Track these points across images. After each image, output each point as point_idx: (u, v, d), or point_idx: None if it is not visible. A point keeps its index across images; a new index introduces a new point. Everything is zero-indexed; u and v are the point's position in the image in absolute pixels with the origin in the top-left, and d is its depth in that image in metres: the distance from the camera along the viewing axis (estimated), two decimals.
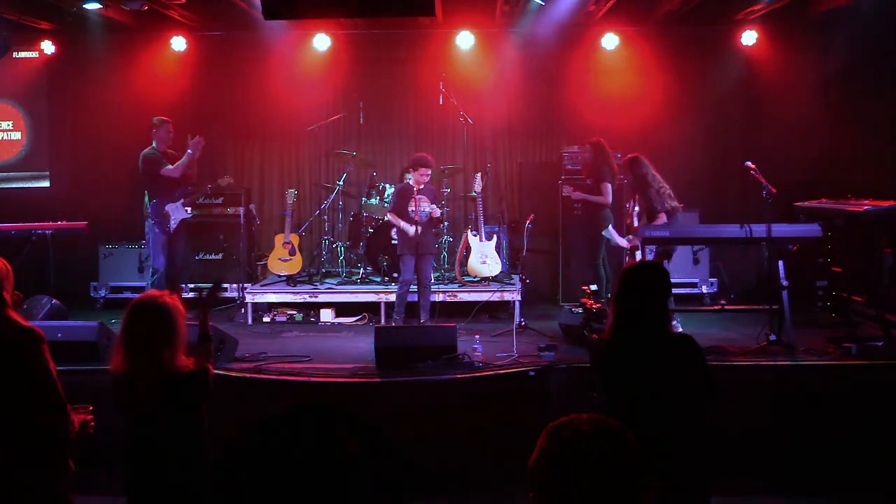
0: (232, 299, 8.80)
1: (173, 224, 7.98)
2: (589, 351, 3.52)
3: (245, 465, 2.35)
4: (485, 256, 8.24)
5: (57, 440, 3.35)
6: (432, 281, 7.75)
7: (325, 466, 2.33)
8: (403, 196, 7.48)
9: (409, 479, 2.43)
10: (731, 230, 6.75)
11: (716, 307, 7.39)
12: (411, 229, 7.32)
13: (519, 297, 7.99)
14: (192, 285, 8.94)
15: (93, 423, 3.50)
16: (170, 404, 3.39)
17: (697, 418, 3.39)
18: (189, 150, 7.86)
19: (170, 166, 7.90)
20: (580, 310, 6.89)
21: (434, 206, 7.53)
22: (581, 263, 8.44)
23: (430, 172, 7.47)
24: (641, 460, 1.70)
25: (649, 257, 7.02)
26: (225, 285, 9.03)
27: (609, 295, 7.49)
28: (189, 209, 8.13)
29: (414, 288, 7.55)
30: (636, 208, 8.31)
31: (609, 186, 7.90)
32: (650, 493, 1.68)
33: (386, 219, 7.58)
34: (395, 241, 8.11)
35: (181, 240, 8.14)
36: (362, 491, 2.33)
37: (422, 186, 7.41)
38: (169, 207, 7.95)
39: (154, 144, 8.01)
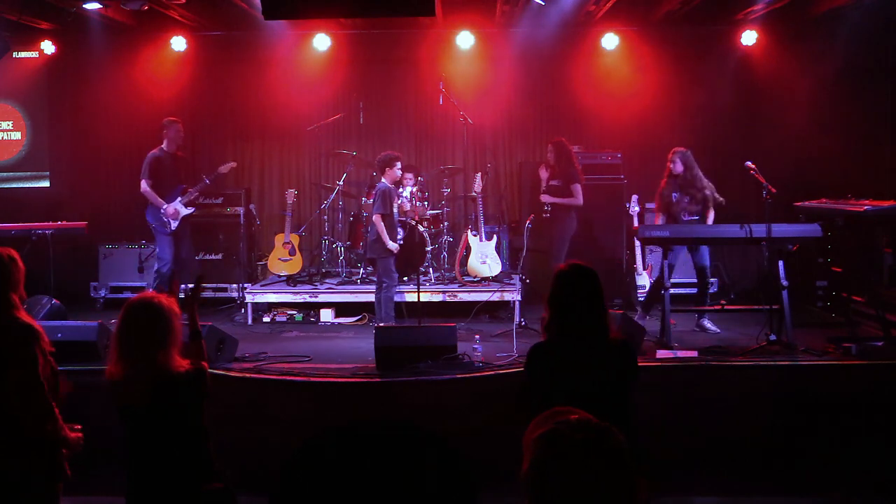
0: (232, 299, 8.81)
1: (174, 223, 7.96)
2: (531, 350, 3.53)
3: (315, 475, 2.36)
4: (485, 256, 8.24)
5: (33, 441, 3.35)
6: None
7: (399, 483, 2.34)
8: (392, 199, 7.52)
9: (478, 490, 2.45)
10: (731, 230, 6.75)
11: (716, 307, 7.39)
12: (395, 247, 7.40)
13: (519, 297, 7.99)
14: (191, 285, 8.96)
15: (81, 442, 3.50)
16: (167, 405, 3.38)
17: (624, 424, 3.42)
18: (165, 207, 7.89)
19: (147, 187, 7.86)
20: None
21: (403, 199, 7.59)
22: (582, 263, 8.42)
23: (400, 167, 7.64)
24: (630, 453, 1.71)
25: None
26: (224, 285, 9.06)
27: None
28: (190, 207, 8.08)
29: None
30: (636, 209, 8.33)
31: (580, 187, 7.89)
32: (642, 480, 1.70)
33: (374, 221, 7.42)
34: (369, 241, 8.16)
35: (185, 239, 8.12)
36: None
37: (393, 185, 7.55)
38: (167, 207, 7.94)
39: (164, 145, 8.02)
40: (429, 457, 2.43)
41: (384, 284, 7.46)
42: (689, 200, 7.32)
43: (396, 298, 7.77)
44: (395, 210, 7.54)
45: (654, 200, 7.63)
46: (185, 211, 8.03)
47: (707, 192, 7.32)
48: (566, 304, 3.44)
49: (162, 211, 7.91)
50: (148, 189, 7.90)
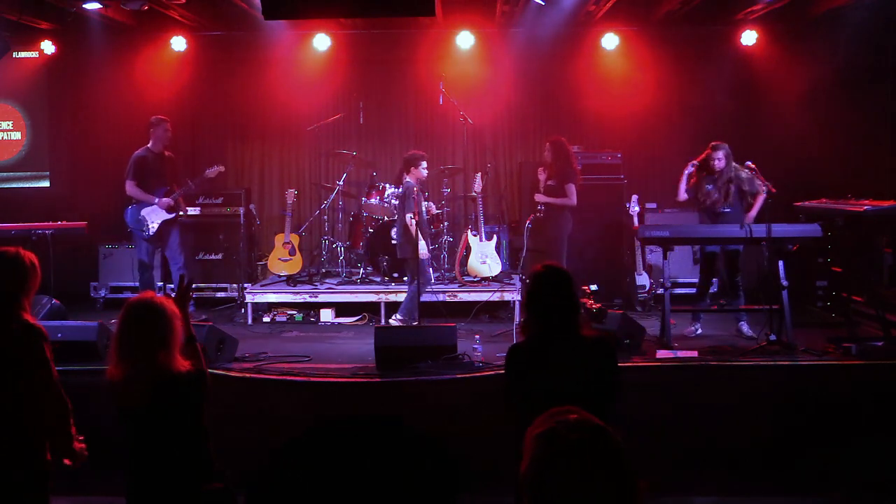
0: (232, 299, 8.81)
1: (152, 228, 7.79)
2: (510, 351, 3.59)
3: (295, 474, 2.36)
4: (485, 256, 8.24)
5: (45, 437, 3.40)
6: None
7: (378, 476, 2.35)
8: (420, 199, 7.44)
9: (462, 481, 2.46)
10: (731, 230, 6.75)
11: (714, 308, 7.39)
12: (426, 254, 7.29)
13: (519, 297, 7.98)
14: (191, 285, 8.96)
15: (86, 453, 3.57)
16: (168, 405, 3.38)
17: (608, 417, 3.44)
18: (158, 201, 7.76)
19: (133, 187, 7.75)
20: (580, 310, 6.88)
21: (430, 203, 7.59)
22: (583, 263, 8.41)
23: (426, 166, 7.58)
24: (627, 453, 1.72)
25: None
26: (224, 285, 9.06)
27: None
28: (173, 211, 7.87)
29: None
30: (636, 209, 8.32)
31: (574, 188, 7.83)
32: (642, 481, 1.71)
33: (407, 222, 7.33)
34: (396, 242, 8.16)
35: (171, 242, 7.93)
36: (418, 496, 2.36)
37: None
38: (145, 212, 7.79)
39: (150, 144, 7.90)
40: (408, 451, 2.44)
41: (416, 282, 7.27)
42: (723, 195, 7.05)
43: (400, 298, 7.79)
44: (423, 211, 7.48)
45: (683, 180, 7.22)
46: (166, 215, 7.82)
47: (746, 186, 7.02)
48: (546, 304, 3.49)
49: (155, 202, 7.75)
50: (134, 189, 7.78)
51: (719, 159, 7.05)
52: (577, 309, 3.55)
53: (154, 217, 7.82)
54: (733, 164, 7.11)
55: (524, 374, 3.50)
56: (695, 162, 7.20)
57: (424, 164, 7.54)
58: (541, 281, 3.55)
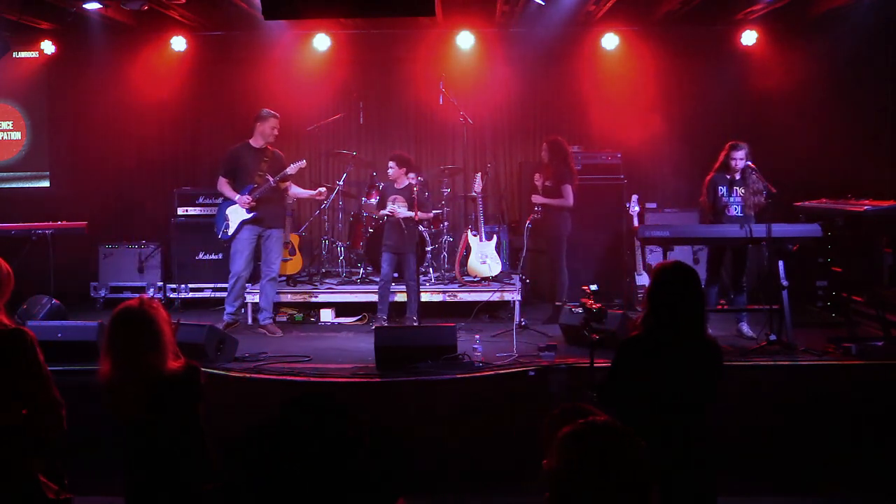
0: None
1: (232, 228, 7.43)
2: (623, 343, 3.55)
3: (249, 464, 2.38)
4: (485, 256, 8.23)
5: (48, 440, 3.38)
6: (417, 278, 7.85)
7: (323, 462, 2.36)
8: (384, 195, 7.97)
9: (407, 470, 2.47)
10: (731, 230, 6.75)
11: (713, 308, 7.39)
12: (393, 209, 7.77)
13: (519, 297, 7.99)
14: (192, 285, 8.97)
15: None
16: (162, 408, 3.38)
17: (705, 420, 3.46)
18: (242, 196, 7.34)
19: (221, 181, 7.43)
20: (580, 310, 6.88)
21: (395, 206, 7.82)
22: (583, 263, 8.42)
23: (393, 165, 7.91)
24: (649, 458, 1.81)
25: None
26: (224, 285, 9.03)
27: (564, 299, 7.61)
28: (253, 211, 7.40)
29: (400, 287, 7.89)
30: (636, 209, 8.32)
31: (570, 189, 7.75)
32: (656, 486, 1.80)
33: (376, 215, 8.11)
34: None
35: (248, 244, 7.46)
36: (361, 482, 2.37)
37: (397, 185, 7.88)
38: (229, 210, 7.48)
39: (251, 139, 7.56)
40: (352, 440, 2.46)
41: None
42: (742, 197, 6.93)
43: (397, 298, 7.80)
44: (391, 208, 7.83)
45: (703, 199, 7.12)
46: (245, 215, 7.39)
47: (759, 185, 6.83)
48: (664, 301, 3.44)
49: (235, 200, 7.32)
50: (222, 185, 7.46)
51: (740, 158, 6.88)
52: (700, 309, 3.49)
53: (234, 216, 7.45)
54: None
55: (637, 367, 3.45)
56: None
57: (390, 164, 7.97)
58: (662, 277, 3.49)
